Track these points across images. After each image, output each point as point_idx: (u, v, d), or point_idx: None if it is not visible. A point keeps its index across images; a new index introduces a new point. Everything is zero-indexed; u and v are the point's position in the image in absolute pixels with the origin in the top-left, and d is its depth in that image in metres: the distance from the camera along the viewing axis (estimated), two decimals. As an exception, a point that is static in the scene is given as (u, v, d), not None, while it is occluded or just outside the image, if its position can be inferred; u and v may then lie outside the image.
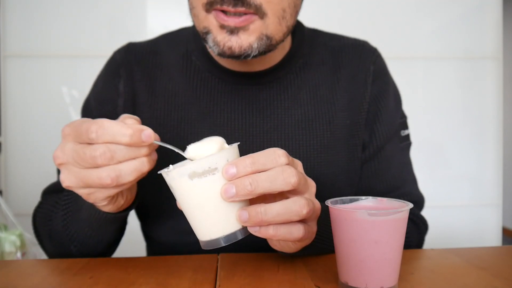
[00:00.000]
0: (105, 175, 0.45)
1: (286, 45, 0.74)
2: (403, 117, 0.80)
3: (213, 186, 0.44)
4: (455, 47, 1.74)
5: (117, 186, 0.46)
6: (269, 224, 0.45)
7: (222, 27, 0.59)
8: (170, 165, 0.48)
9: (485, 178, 1.78)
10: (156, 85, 0.73)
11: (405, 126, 0.79)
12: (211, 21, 0.59)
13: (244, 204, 0.46)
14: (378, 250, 0.45)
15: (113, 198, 0.52)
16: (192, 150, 0.47)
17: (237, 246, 0.68)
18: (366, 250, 0.46)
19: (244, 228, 0.46)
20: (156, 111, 0.72)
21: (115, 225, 0.62)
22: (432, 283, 0.51)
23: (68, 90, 1.57)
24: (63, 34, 1.57)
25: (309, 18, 0.84)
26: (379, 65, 0.77)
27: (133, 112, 0.72)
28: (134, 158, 0.46)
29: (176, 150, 0.49)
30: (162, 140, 0.70)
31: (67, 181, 0.48)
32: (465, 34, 1.74)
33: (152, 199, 0.72)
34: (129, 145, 0.45)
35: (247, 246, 0.68)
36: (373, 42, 0.80)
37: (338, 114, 0.73)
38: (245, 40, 0.59)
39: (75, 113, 1.58)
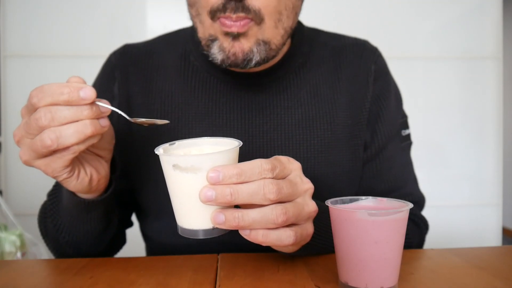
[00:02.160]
0: (45, 136, 0.46)
1: (286, 44, 0.73)
2: (404, 116, 0.80)
3: (192, 184, 0.44)
4: (455, 47, 1.74)
5: (62, 148, 0.47)
6: (244, 228, 0.45)
7: (227, 34, 0.60)
8: (176, 141, 0.49)
9: (485, 178, 1.78)
10: (153, 86, 0.73)
11: (406, 125, 0.79)
12: (217, 29, 0.60)
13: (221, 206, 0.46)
14: (378, 250, 0.45)
15: (72, 171, 0.52)
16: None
17: (237, 246, 0.69)
18: (366, 250, 0.46)
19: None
20: (152, 112, 0.72)
21: (95, 213, 0.61)
22: (432, 283, 0.51)
23: (68, 90, 1.57)
24: (63, 34, 1.57)
25: (308, 17, 0.84)
26: (380, 64, 0.77)
27: (129, 114, 0.72)
28: (76, 121, 0.47)
29: (120, 112, 0.51)
30: (157, 144, 0.71)
31: (23, 156, 0.49)
32: (465, 34, 1.74)
33: (151, 199, 0.72)
34: (68, 103, 0.46)
35: (247, 246, 0.68)
36: (373, 42, 0.80)
37: (339, 114, 0.73)
38: (246, 45, 0.60)
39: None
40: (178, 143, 0.50)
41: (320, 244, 0.58)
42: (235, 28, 0.58)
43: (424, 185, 0.82)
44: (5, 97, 1.55)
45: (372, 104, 0.74)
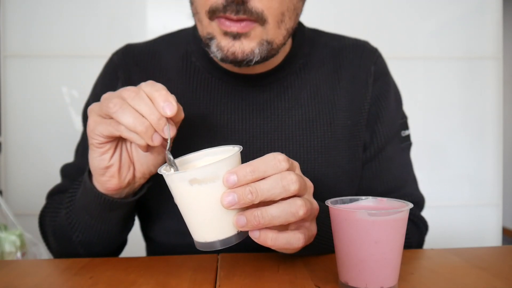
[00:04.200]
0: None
1: (287, 45, 0.73)
2: (404, 117, 0.80)
3: (212, 193, 0.44)
4: (455, 47, 1.74)
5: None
6: (266, 227, 0.45)
7: (226, 33, 0.59)
8: (165, 165, 0.49)
9: (485, 178, 1.78)
10: None
11: (405, 126, 0.79)
12: (214, 28, 0.60)
13: (240, 209, 0.46)
14: (378, 250, 0.45)
15: (120, 169, 0.56)
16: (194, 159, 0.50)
17: (237, 246, 0.68)
18: (366, 250, 0.46)
19: (240, 233, 0.46)
20: None
21: (115, 214, 0.62)
22: (432, 283, 0.51)
23: (68, 90, 1.58)
24: (63, 34, 1.57)
25: (308, 17, 0.84)
26: (380, 65, 0.77)
27: None
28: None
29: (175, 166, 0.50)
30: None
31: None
32: (465, 34, 1.74)
33: (152, 199, 0.72)
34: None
35: (247, 246, 0.68)
36: (373, 42, 0.80)
37: (339, 115, 0.73)
38: (247, 46, 0.60)
39: (75, 113, 1.58)
40: (178, 161, 0.50)
41: (321, 244, 0.58)
42: (235, 28, 0.58)
43: (424, 185, 0.82)
44: (5, 97, 1.55)
45: (371, 105, 0.74)
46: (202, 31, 0.63)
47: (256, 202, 0.44)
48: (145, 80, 0.73)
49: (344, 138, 0.73)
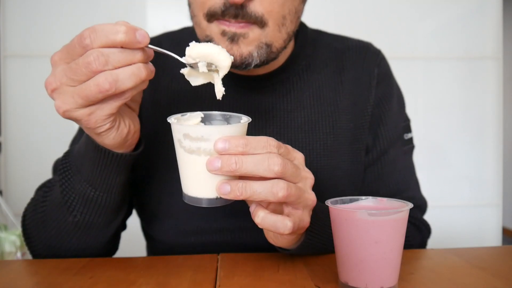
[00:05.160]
0: (103, 79, 0.43)
1: (289, 47, 0.73)
2: (407, 120, 0.79)
3: (200, 154, 0.45)
4: (455, 47, 1.74)
5: (116, 94, 0.45)
6: (246, 200, 0.46)
7: (224, 33, 0.58)
8: (188, 113, 0.50)
9: (485, 178, 1.78)
10: (160, 83, 0.73)
11: (408, 129, 0.78)
12: (213, 30, 0.59)
13: (227, 177, 0.46)
14: (378, 250, 0.45)
15: (114, 121, 0.50)
16: (193, 49, 0.50)
17: (237, 246, 0.69)
18: (366, 250, 0.46)
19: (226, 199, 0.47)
20: (159, 107, 0.72)
21: (119, 180, 0.58)
22: (432, 283, 0.51)
23: (68, 90, 1.57)
24: (63, 34, 1.56)
25: (308, 17, 0.84)
26: (383, 68, 0.77)
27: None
28: (129, 64, 0.45)
29: (172, 54, 0.50)
30: (164, 141, 0.71)
31: (63, 106, 0.46)
32: (465, 34, 1.74)
33: (156, 199, 0.72)
34: (124, 44, 0.44)
35: (247, 246, 0.68)
36: (373, 42, 0.80)
37: (342, 117, 0.72)
38: (245, 49, 0.59)
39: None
40: (190, 114, 0.50)
41: (320, 244, 0.58)
42: (233, 27, 0.57)
43: (424, 186, 0.82)
44: (5, 97, 1.55)
45: (374, 108, 0.74)
46: (201, 34, 0.62)
47: (238, 173, 0.44)
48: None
49: (346, 141, 0.72)
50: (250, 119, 0.49)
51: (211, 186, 0.46)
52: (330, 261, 0.58)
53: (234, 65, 0.60)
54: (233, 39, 0.58)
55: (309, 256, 0.60)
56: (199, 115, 0.51)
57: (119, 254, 0.71)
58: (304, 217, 0.50)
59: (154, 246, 0.78)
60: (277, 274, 0.54)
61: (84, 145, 0.57)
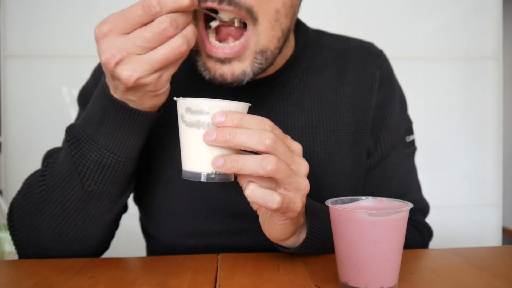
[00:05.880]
0: (181, 42, 0.48)
1: (289, 48, 0.71)
2: (409, 122, 0.78)
3: (199, 127, 0.47)
4: (455, 47, 1.74)
5: (186, 53, 0.49)
6: (237, 173, 0.47)
7: (210, 56, 0.57)
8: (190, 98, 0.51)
9: (485, 178, 1.78)
10: None
11: (410, 131, 0.77)
12: (199, 40, 0.57)
13: (225, 152, 0.48)
14: (378, 250, 0.45)
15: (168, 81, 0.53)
16: None
17: (237, 246, 0.69)
18: (366, 250, 0.46)
19: (225, 174, 0.49)
20: (160, 111, 0.71)
21: (141, 140, 0.58)
22: (432, 283, 0.51)
23: (68, 90, 1.57)
24: (63, 34, 1.57)
25: (308, 17, 0.84)
26: (385, 69, 0.75)
27: None
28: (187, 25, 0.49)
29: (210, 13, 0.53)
30: (164, 143, 0.71)
31: (135, 73, 0.48)
32: (465, 34, 1.74)
33: (157, 199, 0.71)
34: (188, 8, 0.47)
35: (247, 246, 0.68)
36: (373, 42, 0.80)
37: (343, 120, 0.71)
38: (237, 68, 0.57)
39: (75, 113, 1.58)
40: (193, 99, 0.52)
41: (320, 244, 0.58)
42: (221, 53, 0.56)
43: (424, 186, 0.81)
44: (5, 97, 1.55)
45: (376, 111, 0.73)
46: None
47: (231, 144, 0.46)
48: None
49: (347, 145, 0.71)
50: (250, 104, 0.51)
51: (208, 160, 0.48)
52: (330, 261, 0.58)
53: (223, 82, 0.58)
54: (223, 61, 0.57)
55: (309, 256, 0.60)
56: (201, 99, 0.52)
57: (119, 254, 0.71)
58: (296, 201, 0.49)
59: (154, 247, 0.78)
60: (277, 274, 0.54)
61: (100, 111, 0.56)
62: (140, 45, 0.47)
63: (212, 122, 0.46)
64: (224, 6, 0.53)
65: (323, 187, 0.69)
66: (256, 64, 0.58)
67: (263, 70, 0.60)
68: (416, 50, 1.72)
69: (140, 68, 0.48)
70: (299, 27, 0.75)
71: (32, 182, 0.63)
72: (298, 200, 0.49)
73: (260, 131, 0.46)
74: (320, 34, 0.78)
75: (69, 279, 0.53)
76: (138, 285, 0.51)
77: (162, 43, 0.48)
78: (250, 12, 0.54)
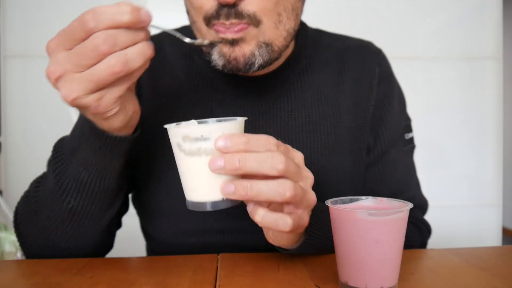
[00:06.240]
0: (115, 61, 0.43)
1: (289, 47, 0.72)
2: (408, 119, 0.79)
3: (202, 155, 0.45)
4: (455, 47, 1.74)
5: (127, 74, 0.45)
6: (251, 200, 0.45)
7: (223, 40, 0.58)
8: (182, 122, 0.49)
9: (485, 178, 1.78)
10: (160, 82, 0.73)
11: (409, 129, 0.78)
12: (214, 35, 0.59)
13: (231, 177, 0.46)
14: (378, 250, 0.45)
15: (122, 103, 0.49)
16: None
17: (237, 247, 0.69)
18: (366, 250, 0.46)
19: (231, 199, 0.46)
20: (159, 106, 0.72)
21: (116, 162, 0.57)
22: (432, 283, 0.51)
23: (68, 90, 1.57)
24: (63, 34, 1.57)
25: (308, 17, 0.84)
26: (384, 67, 0.77)
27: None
28: (135, 44, 0.44)
29: (176, 33, 0.50)
30: (164, 140, 0.70)
31: (71, 93, 0.44)
32: (465, 34, 1.74)
33: (155, 198, 0.72)
34: (130, 24, 0.43)
35: (247, 246, 0.68)
36: (373, 42, 0.80)
37: (343, 117, 0.72)
38: (246, 49, 0.59)
39: (76, 113, 1.57)
40: (184, 123, 0.49)
41: (320, 244, 0.58)
42: (229, 34, 0.57)
43: (424, 186, 0.82)
44: (5, 97, 1.55)
45: (375, 108, 0.74)
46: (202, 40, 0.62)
47: (242, 171, 0.44)
48: (150, 73, 0.72)
49: (347, 141, 0.72)
50: (246, 118, 0.49)
51: (215, 187, 0.45)
52: (330, 261, 0.58)
53: (238, 68, 0.59)
54: (232, 43, 0.58)
55: (309, 256, 0.60)
56: (193, 123, 0.50)
57: (119, 254, 0.71)
58: (304, 216, 0.49)
59: (154, 246, 0.78)
60: (277, 274, 0.54)
61: (79, 128, 0.56)
62: (75, 62, 0.43)
63: (215, 148, 0.44)
64: (232, 20, 0.56)
65: (323, 183, 0.69)
66: (262, 50, 0.59)
67: (271, 60, 0.61)
68: (416, 50, 1.72)
69: (77, 88, 0.44)
70: (299, 26, 0.75)
71: (31, 191, 0.64)
72: (306, 216, 0.49)
73: (270, 155, 0.44)
74: (319, 33, 0.79)
75: (69, 279, 0.53)
76: (138, 285, 0.51)
77: (98, 61, 0.43)
78: (253, 18, 0.57)
